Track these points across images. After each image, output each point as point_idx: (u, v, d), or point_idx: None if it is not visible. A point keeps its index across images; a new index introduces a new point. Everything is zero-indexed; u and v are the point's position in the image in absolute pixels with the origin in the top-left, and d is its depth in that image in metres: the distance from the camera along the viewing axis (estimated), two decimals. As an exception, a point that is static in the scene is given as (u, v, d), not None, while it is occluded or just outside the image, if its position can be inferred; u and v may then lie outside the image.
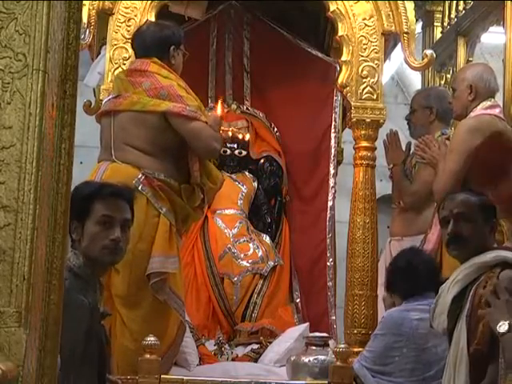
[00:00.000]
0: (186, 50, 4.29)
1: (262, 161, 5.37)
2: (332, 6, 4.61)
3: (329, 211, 5.20)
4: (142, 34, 4.25)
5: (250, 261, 5.00)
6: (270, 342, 4.75)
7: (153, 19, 4.54)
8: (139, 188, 3.99)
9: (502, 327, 2.66)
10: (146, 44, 4.21)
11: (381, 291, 4.67)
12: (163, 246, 3.99)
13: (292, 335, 4.72)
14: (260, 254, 5.04)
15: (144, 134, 4.06)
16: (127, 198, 2.94)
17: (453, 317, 2.93)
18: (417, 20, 5.13)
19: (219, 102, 4.72)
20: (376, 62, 4.62)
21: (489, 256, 2.96)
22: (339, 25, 4.61)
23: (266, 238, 5.18)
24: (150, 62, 4.15)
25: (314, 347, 4.28)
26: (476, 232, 3.03)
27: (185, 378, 4.12)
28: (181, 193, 4.08)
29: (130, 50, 4.46)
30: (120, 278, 3.97)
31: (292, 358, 4.28)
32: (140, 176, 4.02)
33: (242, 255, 5.01)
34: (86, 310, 2.66)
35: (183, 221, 4.21)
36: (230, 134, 5.26)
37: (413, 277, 3.85)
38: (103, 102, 4.29)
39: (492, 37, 5.87)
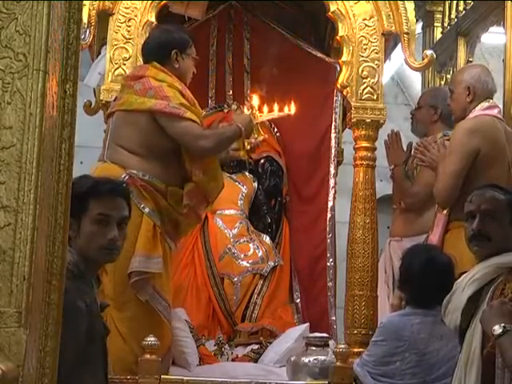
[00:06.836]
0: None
1: (262, 161, 5.37)
2: (332, 7, 4.61)
3: (329, 211, 5.19)
4: (147, 39, 4.32)
5: (250, 261, 4.99)
6: (270, 343, 4.75)
7: (153, 19, 4.55)
8: None
9: (497, 330, 2.65)
10: (148, 49, 4.27)
11: (381, 291, 4.68)
12: (145, 246, 3.99)
13: (292, 335, 4.71)
14: (260, 254, 5.04)
15: (134, 135, 4.09)
16: (123, 195, 2.85)
17: (467, 315, 2.87)
18: (417, 20, 5.13)
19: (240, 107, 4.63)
20: (376, 62, 4.62)
21: (510, 257, 2.89)
22: (339, 25, 4.61)
23: (266, 239, 5.18)
24: (149, 67, 4.19)
25: (314, 347, 4.28)
26: (501, 231, 2.94)
27: (185, 378, 4.12)
28: (166, 195, 4.08)
29: (131, 51, 4.49)
30: (107, 279, 3.97)
31: (292, 359, 4.28)
32: (124, 175, 4.02)
33: (242, 255, 5.00)
34: (82, 315, 2.60)
35: (174, 227, 4.19)
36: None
37: (424, 287, 3.71)
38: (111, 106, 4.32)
39: (492, 37, 5.87)
